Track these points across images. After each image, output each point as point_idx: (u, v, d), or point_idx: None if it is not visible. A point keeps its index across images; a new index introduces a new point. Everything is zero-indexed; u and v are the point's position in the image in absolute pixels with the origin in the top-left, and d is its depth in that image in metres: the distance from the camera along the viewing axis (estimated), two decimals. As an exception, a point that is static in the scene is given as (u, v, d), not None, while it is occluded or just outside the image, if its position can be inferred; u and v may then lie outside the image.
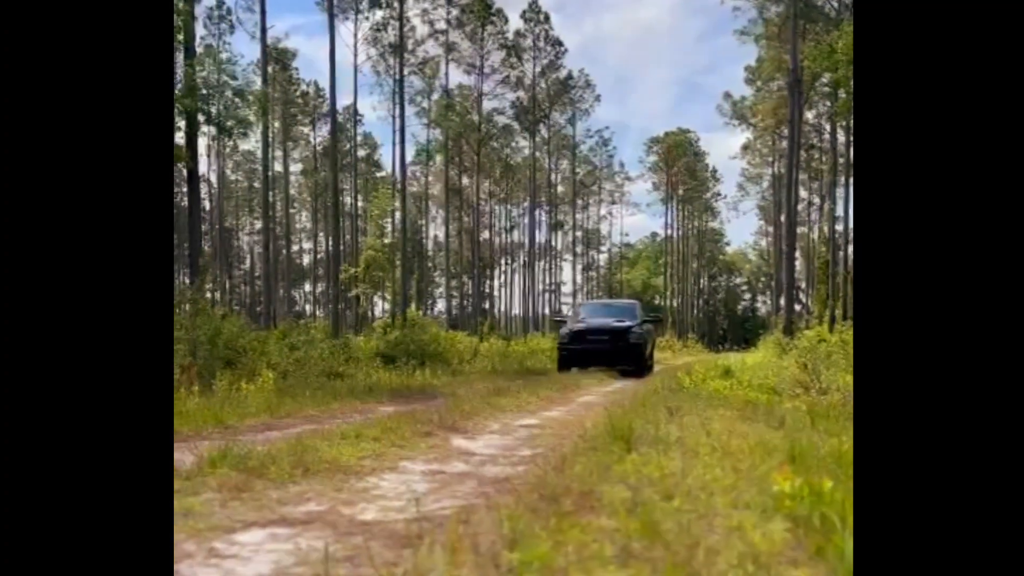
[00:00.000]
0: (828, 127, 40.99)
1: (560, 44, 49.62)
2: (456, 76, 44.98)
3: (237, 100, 17.83)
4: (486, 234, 59.68)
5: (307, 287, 72.90)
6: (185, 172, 18.52)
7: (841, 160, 36.38)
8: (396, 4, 36.95)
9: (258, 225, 63.06)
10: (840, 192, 37.29)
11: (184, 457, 3.98)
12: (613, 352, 16.67)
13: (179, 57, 17.02)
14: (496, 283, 66.99)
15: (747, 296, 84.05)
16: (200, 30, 32.67)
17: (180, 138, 17.07)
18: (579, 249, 72.46)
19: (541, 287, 57.72)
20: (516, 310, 64.68)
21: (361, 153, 58.44)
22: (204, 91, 16.80)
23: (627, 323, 17.50)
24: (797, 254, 35.37)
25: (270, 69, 36.65)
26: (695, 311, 73.86)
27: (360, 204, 56.05)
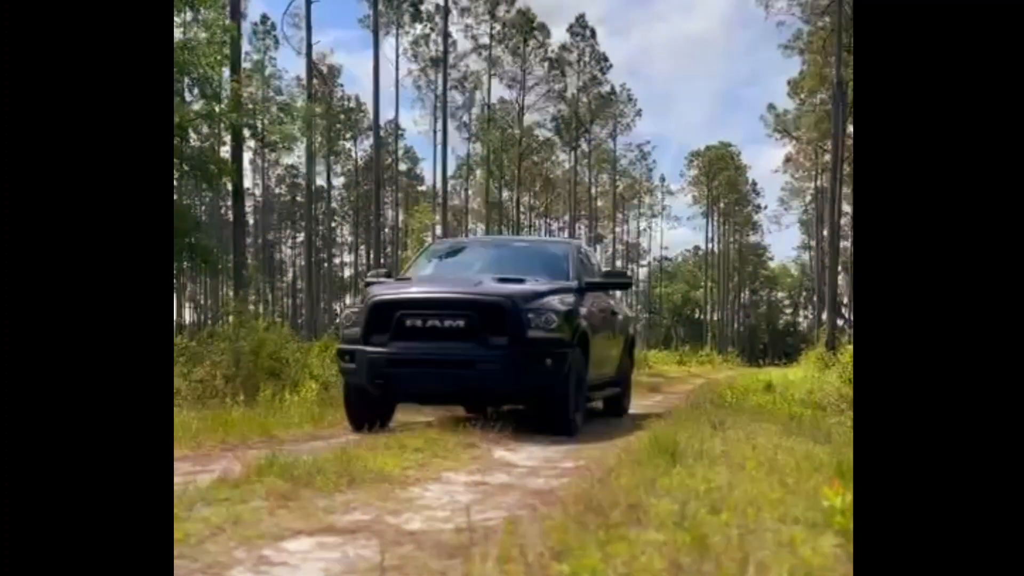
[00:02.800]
0: (872, 140, 40.40)
1: (606, 59, 49.60)
2: (497, 90, 45.27)
3: (282, 115, 18.06)
4: (526, 247, 59.63)
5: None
6: (230, 187, 18.74)
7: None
8: (439, 19, 37.30)
9: (300, 238, 63.73)
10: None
11: (232, 466, 4.03)
12: (479, 362, 6.22)
13: (225, 73, 17.33)
14: (535, 296, 66.69)
15: (788, 310, 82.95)
16: (245, 46, 33.19)
17: (225, 153, 17.38)
18: (619, 263, 72.21)
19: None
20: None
21: (402, 167, 58.97)
22: (250, 106, 17.05)
23: (533, 288, 6.75)
24: (840, 268, 34.81)
25: (314, 84, 37.14)
26: (736, 325, 73.18)
27: (401, 217, 56.47)
